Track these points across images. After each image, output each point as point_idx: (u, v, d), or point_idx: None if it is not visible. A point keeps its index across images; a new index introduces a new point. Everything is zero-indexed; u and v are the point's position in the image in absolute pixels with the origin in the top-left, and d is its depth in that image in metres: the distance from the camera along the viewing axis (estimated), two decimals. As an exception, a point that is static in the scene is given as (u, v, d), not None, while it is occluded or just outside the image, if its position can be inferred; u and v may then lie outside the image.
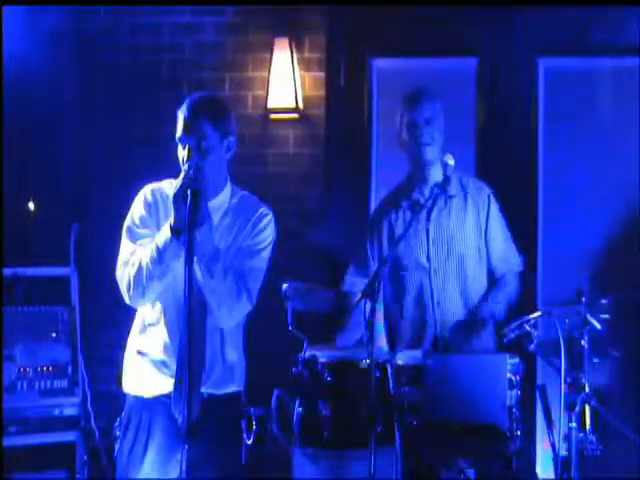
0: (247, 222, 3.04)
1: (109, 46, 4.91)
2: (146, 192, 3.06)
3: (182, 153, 2.96)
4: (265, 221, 3.06)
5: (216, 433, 2.96)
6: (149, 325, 3.02)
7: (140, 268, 2.89)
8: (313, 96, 4.77)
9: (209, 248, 2.86)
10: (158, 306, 3.00)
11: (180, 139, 2.96)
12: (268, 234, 3.05)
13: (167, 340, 2.97)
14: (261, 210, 3.08)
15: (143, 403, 3.00)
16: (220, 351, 3.01)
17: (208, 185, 2.86)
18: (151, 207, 3.02)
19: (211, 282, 2.88)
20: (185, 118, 2.95)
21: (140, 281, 2.90)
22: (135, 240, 2.99)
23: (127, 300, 2.98)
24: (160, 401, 2.95)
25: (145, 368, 3.01)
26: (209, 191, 2.89)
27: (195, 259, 2.80)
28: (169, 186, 2.97)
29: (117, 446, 3.06)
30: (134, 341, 3.07)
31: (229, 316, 2.96)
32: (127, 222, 3.04)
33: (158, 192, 3.04)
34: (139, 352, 3.03)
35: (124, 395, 3.09)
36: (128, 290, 2.93)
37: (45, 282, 3.88)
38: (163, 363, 2.97)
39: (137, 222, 3.01)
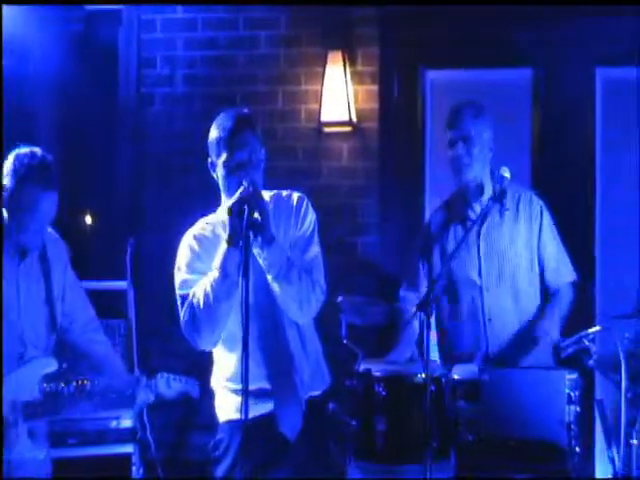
0: (289, 216, 3.04)
1: (164, 60, 4.98)
2: (188, 239, 3.06)
3: (225, 172, 2.97)
4: (304, 205, 3.07)
5: (322, 435, 3.04)
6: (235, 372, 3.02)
7: (206, 297, 2.88)
8: (366, 109, 4.77)
9: (284, 260, 2.89)
10: (235, 355, 2.99)
11: (231, 158, 2.95)
12: (311, 216, 3.07)
13: (264, 372, 2.98)
14: (295, 197, 3.08)
15: (241, 425, 2.96)
16: (302, 350, 3.04)
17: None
18: (197, 254, 3.01)
19: (290, 289, 2.91)
20: (232, 135, 2.95)
21: (208, 311, 2.88)
22: (191, 286, 2.96)
23: (198, 344, 2.96)
24: (260, 420, 2.95)
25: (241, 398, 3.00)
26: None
27: (270, 277, 2.88)
28: (209, 227, 3.03)
29: (215, 467, 3.07)
30: (224, 381, 3.06)
31: (309, 312, 2.99)
32: (177, 276, 3.02)
33: (201, 236, 3.05)
34: (234, 390, 3.01)
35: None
36: (198, 330, 2.91)
37: (101, 295, 3.91)
38: (263, 391, 2.97)
39: (187, 271, 3.00)
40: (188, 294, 2.95)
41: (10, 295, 3.27)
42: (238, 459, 2.96)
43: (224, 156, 2.97)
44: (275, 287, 2.92)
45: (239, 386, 2.87)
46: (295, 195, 3.09)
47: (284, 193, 3.10)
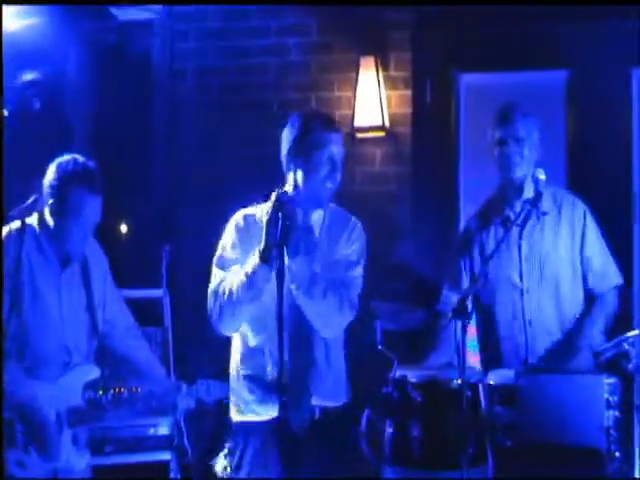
0: (341, 235, 3.11)
1: (198, 69, 5.02)
2: (238, 218, 3.13)
3: (308, 168, 3.02)
4: (358, 228, 3.16)
5: (331, 447, 3.03)
6: (252, 352, 3.06)
7: (231, 294, 2.96)
8: (399, 114, 4.77)
9: (307, 274, 2.93)
10: (257, 339, 3.05)
11: (312, 156, 3.01)
12: (362, 241, 3.15)
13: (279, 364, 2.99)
14: (352, 221, 3.17)
15: (255, 427, 3.04)
16: (325, 359, 3.07)
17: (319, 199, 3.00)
18: (243, 232, 3.08)
19: (312, 304, 2.96)
20: (315, 132, 3.02)
21: (231, 307, 2.97)
22: (225, 267, 3.05)
23: (218, 328, 3.05)
24: (272, 423, 2.97)
25: (255, 395, 3.05)
26: (314, 203, 3.02)
27: (293, 287, 2.92)
28: (260, 212, 3.05)
29: (233, 474, 3.09)
30: (241, 369, 3.10)
31: (332, 329, 3.05)
32: (219, 251, 3.10)
33: (251, 218, 3.10)
34: (248, 377, 3.06)
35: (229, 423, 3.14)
36: (220, 318, 3.01)
37: (136, 303, 3.93)
38: (273, 386, 2.99)
39: (228, 248, 3.08)
40: (219, 276, 3.03)
41: (52, 303, 3.30)
42: (254, 464, 3.00)
43: (306, 152, 3.02)
44: (298, 299, 2.95)
45: (255, 373, 2.96)
46: (353, 217, 3.18)
47: (343, 211, 3.19)
